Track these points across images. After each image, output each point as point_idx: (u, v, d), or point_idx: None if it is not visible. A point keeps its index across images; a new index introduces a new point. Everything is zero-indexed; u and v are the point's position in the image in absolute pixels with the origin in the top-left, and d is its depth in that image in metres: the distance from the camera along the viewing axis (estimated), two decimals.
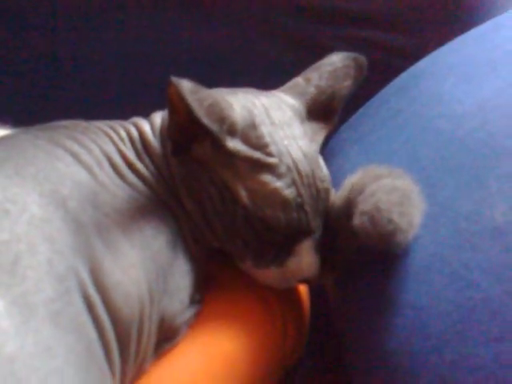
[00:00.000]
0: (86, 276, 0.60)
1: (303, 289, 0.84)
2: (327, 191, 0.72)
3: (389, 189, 0.66)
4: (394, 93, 0.90)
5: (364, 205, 0.65)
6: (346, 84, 0.78)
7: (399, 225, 0.63)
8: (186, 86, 0.63)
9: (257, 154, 0.69)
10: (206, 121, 0.65)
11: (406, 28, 1.07)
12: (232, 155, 0.68)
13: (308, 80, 0.78)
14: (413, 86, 0.88)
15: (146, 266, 0.66)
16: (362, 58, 0.79)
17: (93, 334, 0.59)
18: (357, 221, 0.65)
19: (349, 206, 0.68)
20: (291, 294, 0.82)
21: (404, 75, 0.92)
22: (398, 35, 1.07)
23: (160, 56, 1.11)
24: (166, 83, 0.64)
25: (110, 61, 1.11)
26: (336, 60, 0.79)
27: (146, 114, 0.79)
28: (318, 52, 0.82)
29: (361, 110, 0.94)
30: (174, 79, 0.63)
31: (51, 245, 0.58)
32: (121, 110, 0.80)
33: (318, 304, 0.85)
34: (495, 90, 0.73)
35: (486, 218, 0.60)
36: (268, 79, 0.82)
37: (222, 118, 0.67)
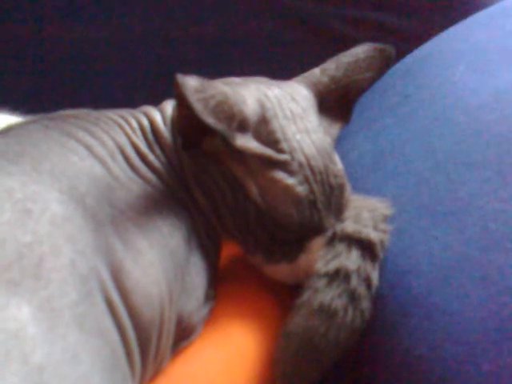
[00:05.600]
0: (107, 277, 0.58)
1: None
2: (342, 187, 0.70)
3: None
4: (400, 77, 0.87)
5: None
6: (367, 76, 0.76)
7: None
8: (190, 85, 0.60)
9: (268, 151, 0.66)
10: (211, 121, 0.62)
11: (410, 9, 1.04)
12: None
13: (324, 70, 0.75)
14: (419, 70, 0.85)
15: (165, 264, 0.63)
16: (390, 49, 0.76)
17: (115, 336, 0.57)
18: None
19: None
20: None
21: (408, 59, 0.90)
22: (400, 16, 1.04)
23: (153, 36, 1.06)
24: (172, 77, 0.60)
25: (99, 40, 1.06)
26: (359, 51, 0.76)
27: (138, 95, 0.76)
28: (318, 31, 0.79)
29: (365, 94, 0.91)
30: (179, 77, 0.59)
31: (73, 245, 0.55)
32: (110, 91, 0.77)
33: None
34: (511, 81, 0.71)
35: None
36: (268, 59, 0.79)
37: (232, 116, 0.64)
